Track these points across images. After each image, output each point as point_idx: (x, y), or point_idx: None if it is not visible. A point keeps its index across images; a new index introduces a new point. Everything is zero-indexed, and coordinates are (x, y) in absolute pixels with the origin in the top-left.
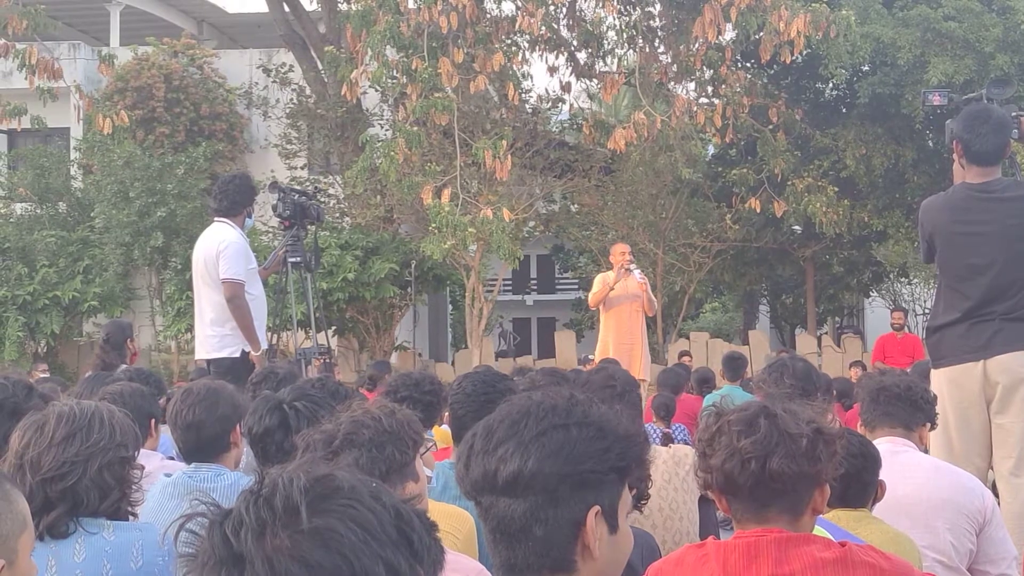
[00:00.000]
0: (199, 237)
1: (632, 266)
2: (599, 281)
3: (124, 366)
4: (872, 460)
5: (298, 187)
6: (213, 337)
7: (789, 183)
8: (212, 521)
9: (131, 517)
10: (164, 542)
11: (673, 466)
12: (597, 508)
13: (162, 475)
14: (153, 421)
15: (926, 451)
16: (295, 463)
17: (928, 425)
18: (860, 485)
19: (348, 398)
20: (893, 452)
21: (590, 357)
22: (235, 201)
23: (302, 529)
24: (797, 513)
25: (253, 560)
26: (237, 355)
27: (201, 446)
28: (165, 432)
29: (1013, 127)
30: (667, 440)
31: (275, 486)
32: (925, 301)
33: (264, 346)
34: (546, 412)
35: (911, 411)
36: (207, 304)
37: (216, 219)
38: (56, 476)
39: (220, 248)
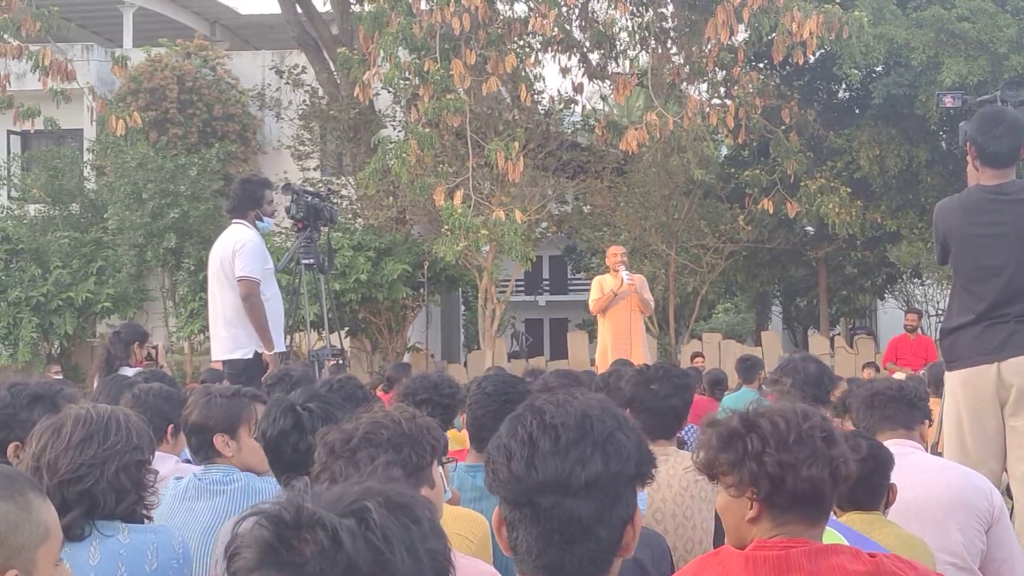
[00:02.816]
0: (217, 239)
1: (621, 267)
2: (596, 287)
3: (139, 369)
4: (882, 463)
5: (311, 188)
6: (228, 339)
7: (802, 184)
8: (350, 526)
9: (146, 520)
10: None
11: (695, 472)
12: (638, 507)
13: (172, 478)
14: (172, 427)
15: (927, 449)
16: (377, 478)
17: (927, 422)
18: (869, 487)
19: (367, 401)
20: (901, 454)
21: None
22: (238, 203)
23: (438, 552)
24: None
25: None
26: (250, 356)
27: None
28: None
29: None
30: (680, 444)
31: (407, 504)
32: (939, 302)
33: (281, 348)
34: (601, 413)
35: (908, 410)
36: (222, 304)
37: (233, 220)
38: (73, 478)
39: (236, 247)
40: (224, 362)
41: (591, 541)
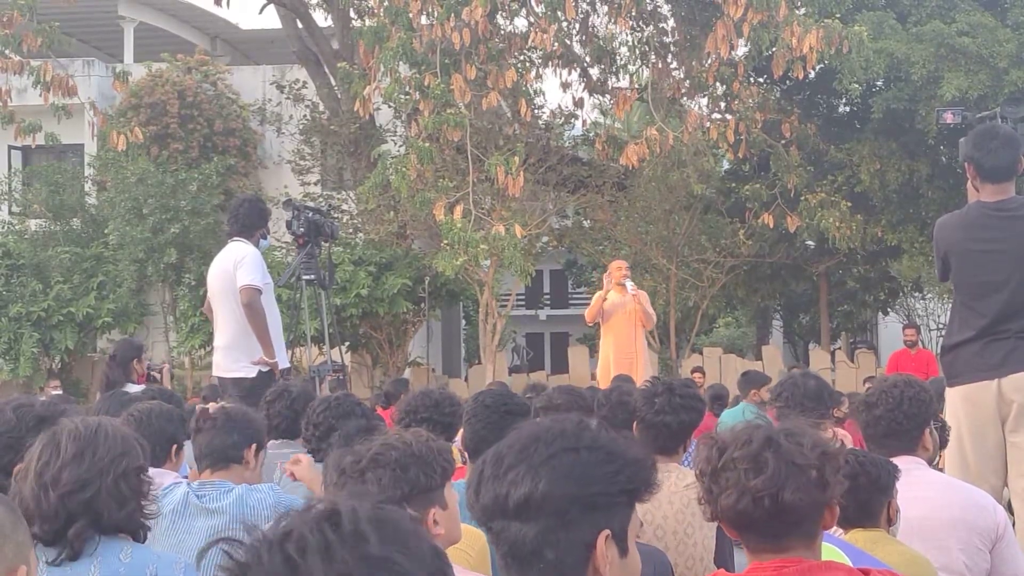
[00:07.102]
0: (215, 257)
1: (627, 281)
2: (596, 298)
3: (142, 386)
4: (873, 479)
5: (312, 204)
6: (231, 356)
7: (802, 198)
8: (271, 540)
9: (143, 531)
10: (200, 565)
11: (695, 490)
12: (608, 532)
13: (163, 488)
14: (175, 447)
15: (933, 457)
16: (345, 492)
17: (927, 431)
18: (855, 504)
19: (366, 417)
20: (905, 471)
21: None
22: (246, 224)
23: (370, 555)
24: (812, 537)
25: None
26: (254, 375)
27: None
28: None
29: (1022, 143)
30: None
31: (338, 511)
32: (939, 316)
33: (284, 364)
34: (555, 436)
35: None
36: (223, 321)
37: (233, 239)
38: (75, 489)
39: (238, 259)
40: (231, 380)
41: (540, 563)
